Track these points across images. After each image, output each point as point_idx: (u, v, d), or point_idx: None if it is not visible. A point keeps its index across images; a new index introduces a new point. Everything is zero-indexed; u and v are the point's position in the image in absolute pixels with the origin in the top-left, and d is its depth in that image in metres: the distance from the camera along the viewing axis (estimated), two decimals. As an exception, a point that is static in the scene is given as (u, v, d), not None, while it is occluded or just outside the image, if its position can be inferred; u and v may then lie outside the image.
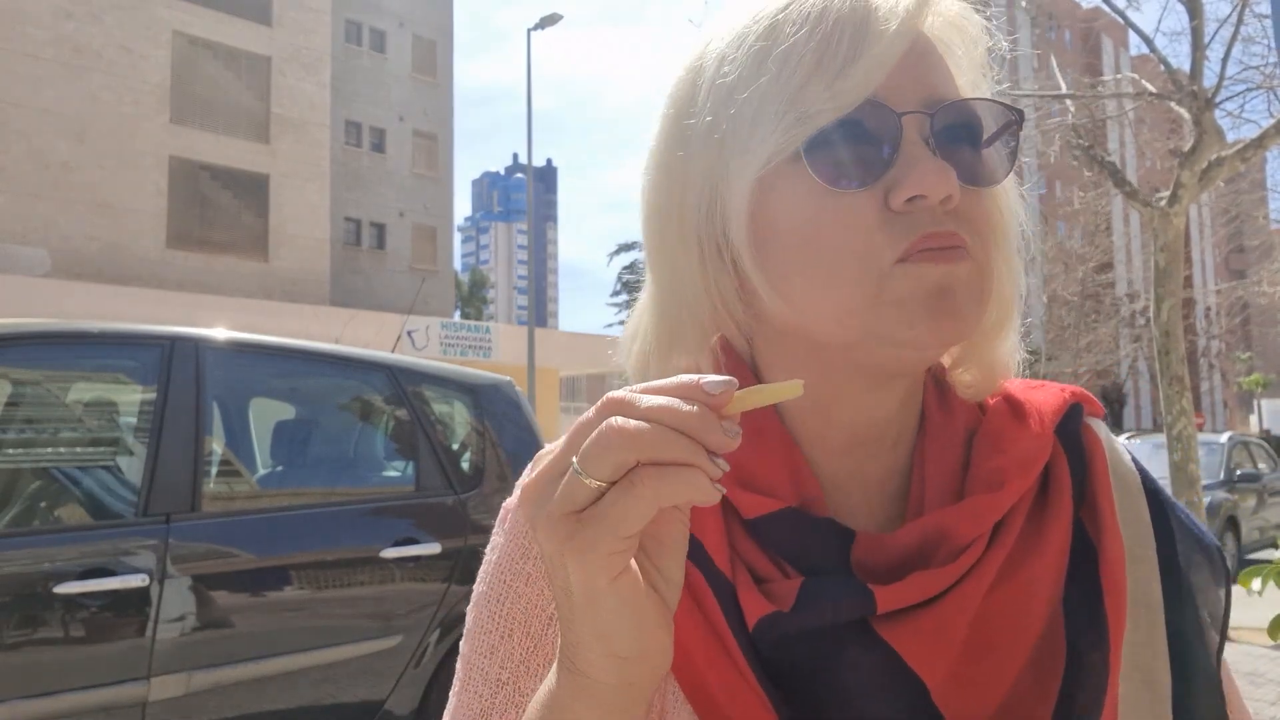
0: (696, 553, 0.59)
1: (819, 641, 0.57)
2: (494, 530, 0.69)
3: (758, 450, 0.62)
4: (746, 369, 0.66)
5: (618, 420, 0.44)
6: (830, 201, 0.57)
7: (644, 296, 0.70)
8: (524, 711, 0.61)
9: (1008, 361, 0.67)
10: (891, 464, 0.64)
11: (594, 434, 0.44)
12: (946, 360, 0.68)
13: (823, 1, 0.58)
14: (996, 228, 0.61)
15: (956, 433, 0.64)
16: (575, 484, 0.45)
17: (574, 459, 0.45)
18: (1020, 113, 0.62)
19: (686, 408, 0.44)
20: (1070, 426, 0.65)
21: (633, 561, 0.47)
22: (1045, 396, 0.66)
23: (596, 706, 0.50)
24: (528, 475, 0.69)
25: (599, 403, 0.46)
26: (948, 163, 0.57)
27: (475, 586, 0.68)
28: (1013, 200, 0.65)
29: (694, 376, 0.45)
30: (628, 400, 0.45)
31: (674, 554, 0.49)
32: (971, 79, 0.63)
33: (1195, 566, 0.64)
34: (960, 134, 0.59)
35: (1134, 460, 0.67)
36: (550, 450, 0.69)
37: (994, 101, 0.61)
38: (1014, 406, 0.66)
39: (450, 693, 0.67)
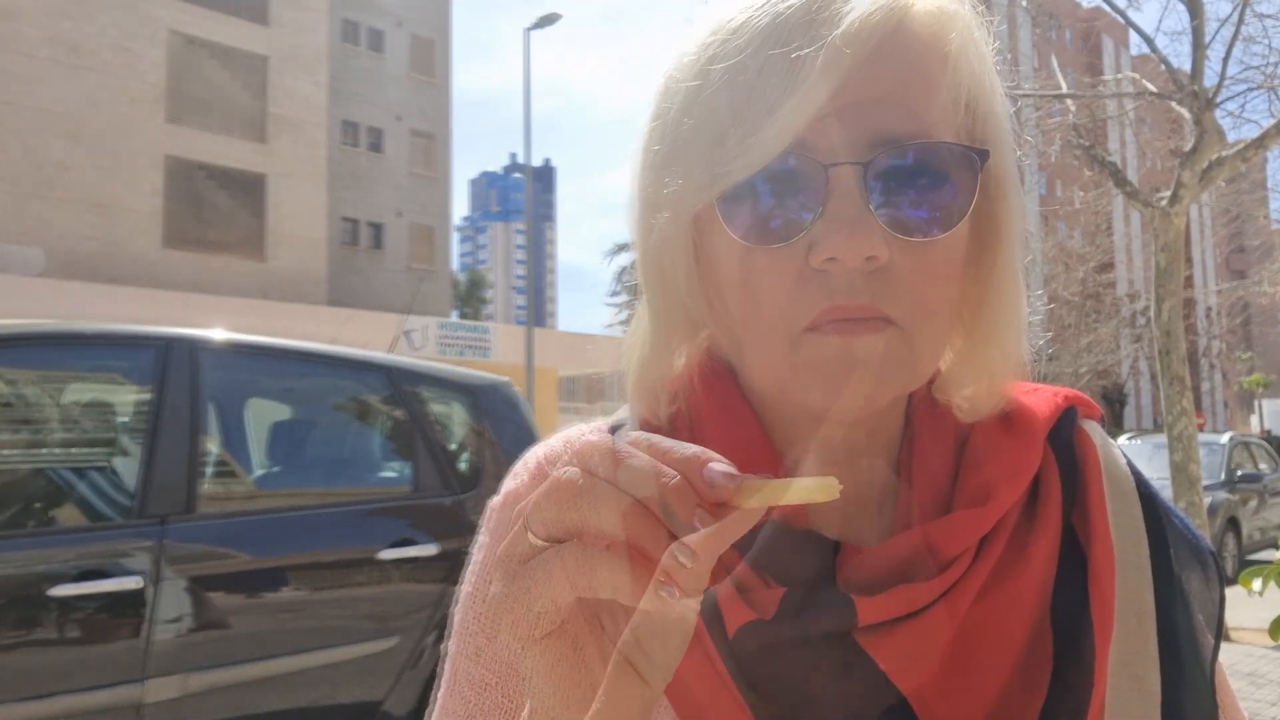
0: None
1: (801, 652, 0.57)
2: (479, 529, 0.68)
3: (743, 466, 0.60)
4: (729, 376, 0.64)
5: (568, 473, 0.40)
6: (750, 257, 0.55)
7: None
8: (510, 716, 0.61)
9: (1006, 384, 0.63)
10: (871, 483, 0.63)
11: (544, 484, 0.41)
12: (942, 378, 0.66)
13: (749, 39, 0.54)
14: (938, 279, 0.55)
15: (945, 446, 0.63)
16: (519, 534, 0.42)
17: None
18: (984, 152, 0.56)
19: (664, 478, 0.39)
20: (1063, 432, 0.64)
21: (562, 631, 0.42)
22: (1038, 402, 0.65)
23: None
24: (511, 480, 0.69)
25: (577, 448, 0.42)
26: (880, 216, 0.53)
27: (462, 586, 0.67)
28: (1010, 214, 0.60)
29: (705, 451, 0.40)
30: (604, 450, 0.40)
31: (666, 635, 0.42)
32: (951, 100, 0.56)
33: (1189, 571, 0.63)
34: (906, 179, 0.53)
35: (1130, 464, 0.66)
36: (534, 453, 0.68)
37: (944, 144, 0.54)
38: (1005, 415, 0.64)
39: (437, 691, 0.66)
